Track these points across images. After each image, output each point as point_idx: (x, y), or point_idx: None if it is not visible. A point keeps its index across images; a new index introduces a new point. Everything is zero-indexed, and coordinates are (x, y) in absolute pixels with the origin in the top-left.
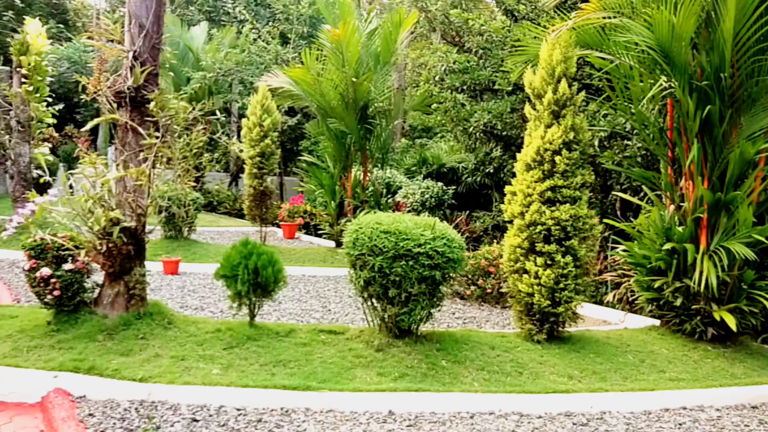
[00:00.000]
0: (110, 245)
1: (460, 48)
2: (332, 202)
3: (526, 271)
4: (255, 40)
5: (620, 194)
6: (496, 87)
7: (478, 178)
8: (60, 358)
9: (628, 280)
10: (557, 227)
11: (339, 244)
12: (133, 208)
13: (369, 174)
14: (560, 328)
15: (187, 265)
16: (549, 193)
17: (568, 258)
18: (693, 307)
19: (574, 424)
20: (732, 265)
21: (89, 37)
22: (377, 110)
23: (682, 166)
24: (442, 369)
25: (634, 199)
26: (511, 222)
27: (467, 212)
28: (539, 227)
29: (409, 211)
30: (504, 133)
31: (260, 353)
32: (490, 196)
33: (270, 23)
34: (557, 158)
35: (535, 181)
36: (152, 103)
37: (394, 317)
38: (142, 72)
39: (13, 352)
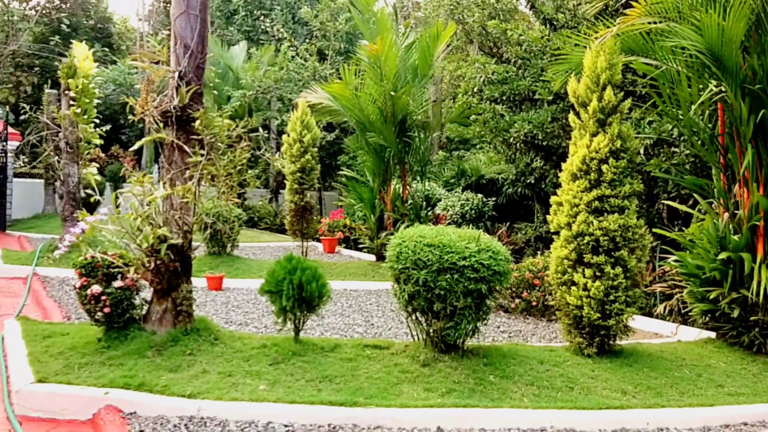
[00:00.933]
0: (158, 262)
1: (498, 59)
2: (372, 216)
3: (574, 283)
4: (293, 57)
5: (669, 202)
6: (536, 97)
7: (519, 189)
8: (111, 375)
9: (680, 291)
10: (606, 238)
11: (380, 258)
12: (179, 225)
13: (408, 187)
14: (611, 342)
15: (230, 281)
16: (596, 203)
17: (618, 269)
18: (752, 318)
19: None
20: None
21: (135, 59)
22: (415, 123)
23: (735, 173)
24: (490, 384)
25: (684, 207)
26: (557, 233)
27: (508, 224)
28: (587, 238)
29: (449, 224)
30: (545, 143)
31: (306, 369)
32: (531, 207)
33: (307, 41)
34: (604, 167)
35: (582, 191)
36: (198, 122)
37: (439, 332)
38: (188, 91)
39: (65, 369)
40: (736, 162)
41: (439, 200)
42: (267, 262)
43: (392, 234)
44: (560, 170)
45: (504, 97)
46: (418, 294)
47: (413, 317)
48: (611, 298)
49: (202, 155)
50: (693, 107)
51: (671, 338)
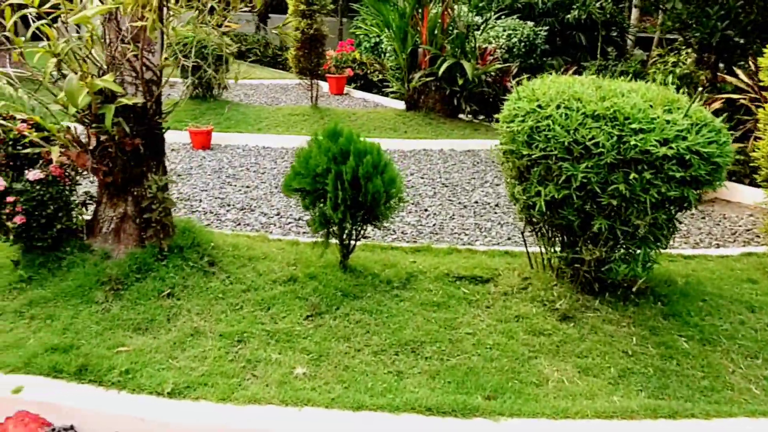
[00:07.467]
0: (103, 138)
1: None
2: (402, 51)
3: None
4: None
5: None
6: None
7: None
8: (31, 342)
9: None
10: None
11: (411, 107)
12: (137, 70)
13: (449, 11)
14: None
15: (221, 136)
16: None
17: None
18: None
19: None
20: None
21: None
22: None
23: None
24: (685, 358)
25: None
26: None
27: (557, 60)
28: None
29: (495, 60)
30: None
31: (369, 326)
32: (589, 39)
33: None
34: None
35: None
36: None
37: (594, 264)
38: None
39: None
40: None
41: (476, 29)
42: (267, 108)
43: (431, 75)
44: None
45: None
46: (568, 202)
47: (547, 237)
48: None
49: None
50: None
51: None
